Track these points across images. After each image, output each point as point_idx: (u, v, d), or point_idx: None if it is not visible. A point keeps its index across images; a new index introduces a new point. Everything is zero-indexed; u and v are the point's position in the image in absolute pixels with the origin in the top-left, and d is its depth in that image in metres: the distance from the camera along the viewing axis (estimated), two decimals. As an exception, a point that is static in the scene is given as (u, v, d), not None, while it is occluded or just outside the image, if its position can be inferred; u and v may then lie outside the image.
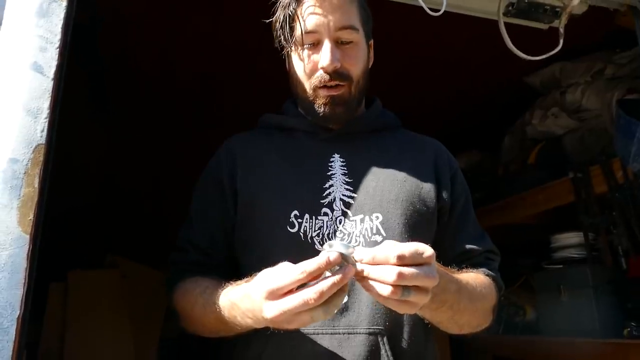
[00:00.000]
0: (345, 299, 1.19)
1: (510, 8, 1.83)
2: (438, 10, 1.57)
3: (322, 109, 1.33)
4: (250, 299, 1.02)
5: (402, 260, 0.91)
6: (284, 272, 0.93)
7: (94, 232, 3.95)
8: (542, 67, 2.92)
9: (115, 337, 3.15)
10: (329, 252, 0.90)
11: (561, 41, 1.84)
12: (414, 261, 0.93)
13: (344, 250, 0.91)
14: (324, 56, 1.29)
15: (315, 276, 0.90)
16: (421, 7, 1.58)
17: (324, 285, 0.88)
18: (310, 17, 1.29)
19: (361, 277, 0.93)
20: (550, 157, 2.98)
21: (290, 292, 0.92)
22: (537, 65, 1.87)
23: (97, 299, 3.18)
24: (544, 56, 1.81)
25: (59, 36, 1.04)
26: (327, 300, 0.90)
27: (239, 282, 1.11)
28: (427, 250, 0.96)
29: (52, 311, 3.05)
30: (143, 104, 3.27)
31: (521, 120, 3.31)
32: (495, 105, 3.37)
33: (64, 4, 1.06)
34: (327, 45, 1.29)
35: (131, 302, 3.25)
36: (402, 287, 0.91)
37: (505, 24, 1.81)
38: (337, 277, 0.89)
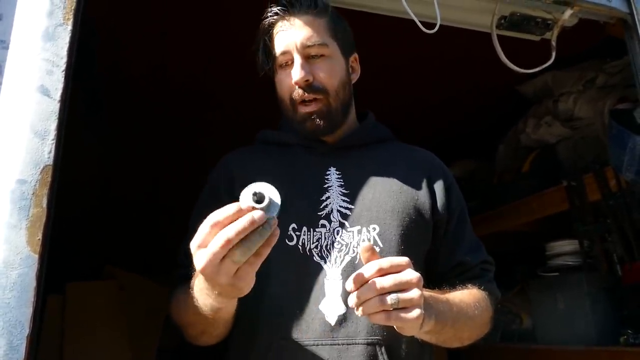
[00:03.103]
0: (344, 310, 1.22)
1: (502, 21, 1.86)
2: (433, 26, 1.59)
3: (304, 125, 1.38)
4: None
5: (381, 271, 1.00)
6: (200, 228, 0.94)
7: (91, 243, 3.95)
8: (534, 77, 2.95)
9: (114, 348, 3.15)
10: (241, 197, 0.92)
11: (553, 53, 1.87)
12: (394, 269, 1.01)
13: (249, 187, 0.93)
14: (295, 72, 1.35)
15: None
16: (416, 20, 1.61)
17: (229, 230, 0.89)
18: (280, 39, 1.38)
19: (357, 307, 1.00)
20: (544, 165, 3.01)
21: None
22: (529, 74, 1.90)
23: (95, 311, 3.18)
24: (536, 69, 1.85)
25: (65, 59, 1.06)
26: (245, 242, 0.90)
27: None
28: (402, 258, 1.04)
29: (51, 323, 3.05)
30: (138, 116, 3.28)
31: (515, 129, 3.34)
32: (490, 114, 3.40)
33: (69, 27, 1.08)
34: (297, 62, 1.35)
35: (129, 313, 3.25)
36: (387, 296, 0.98)
37: (498, 35, 1.84)
38: (243, 222, 0.88)
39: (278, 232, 0.93)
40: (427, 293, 1.11)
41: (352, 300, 0.99)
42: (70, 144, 1.12)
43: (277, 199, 0.93)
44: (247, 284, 0.97)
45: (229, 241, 0.88)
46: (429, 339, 1.21)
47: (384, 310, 0.98)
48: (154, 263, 3.52)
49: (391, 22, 1.78)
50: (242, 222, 0.88)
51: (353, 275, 1.01)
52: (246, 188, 0.93)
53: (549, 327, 2.73)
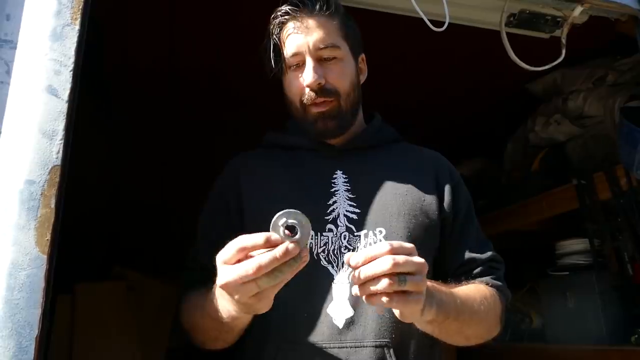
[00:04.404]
0: (352, 313, 1.22)
1: (512, 19, 1.85)
2: (442, 24, 1.58)
3: (314, 125, 1.38)
4: None
5: (393, 251, 0.96)
6: (228, 247, 0.96)
7: (99, 243, 3.96)
8: (543, 75, 2.93)
9: (123, 348, 3.16)
10: (272, 225, 0.94)
11: (563, 51, 1.86)
12: (403, 251, 0.98)
13: (282, 214, 0.94)
14: (307, 75, 1.34)
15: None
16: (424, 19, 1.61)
17: (262, 259, 0.91)
18: (291, 40, 1.36)
19: (361, 285, 0.97)
20: (554, 164, 2.98)
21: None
22: (539, 72, 1.89)
23: (104, 311, 3.19)
24: (546, 67, 1.83)
25: (72, 59, 1.06)
26: (273, 270, 0.92)
27: None
28: (408, 243, 1.02)
29: (60, 324, 3.06)
30: (147, 113, 3.29)
31: (524, 127, 3.32)
32: (499, 113, 3.38)
33: (77, 27, 1.08)
34: (309, 65, 1.34)
35: (138, 313, 3.26)
36: (397, 277, 0.95)
37: (507, 33, 1.83)
38: (276, 252, 0.91)
39: (307, 260, 0.95)
40: (430, 282, 1.10)
41: (359, 275, 0.96)
42: (78, 143, 1.12)
43: (308, 229, 0.95)
44: (266, 305, 0.99)
45: (260, 268, 0.90)
46: (432, 331, 1.19)
47: (385, 294, 0.96)
48: (162, 263, 3.52)
49: (399, 21, 1.77)
50: (277, 253, 0.90)
51: (360, 251, 0.98)
52: (277, 216, 0.94)
53: (559, 327, 2.71)
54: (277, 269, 0.92)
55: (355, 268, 0.97)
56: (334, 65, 1.37)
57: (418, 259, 0.99)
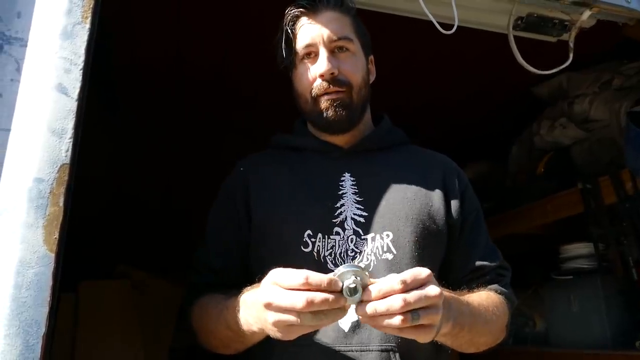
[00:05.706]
0: (358, 317, 1.22)
1: (519, 22, 1.85)
2: (451, 27, 1.58)
3: (325, 114, 1.37)
4: (257, 289, 1.05)
5: (405, 285, 0.93)
6: (293, 273, 0.95)
7: (104, 242, 3.97)
8: (549, 78, 2.93)
9: (126, 347, 3.17)
10: (338, 274, 0.93)
11: (571, 55, 1.86)
12: (416, 284, 0.95)
13: (352, 269, 0.94)
14: (321, 64, 1.35)
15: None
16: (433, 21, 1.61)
17: (315, 296, 0.90)
18: (305, 32, 1.38)
19: (371, 317, 0.94)
20: (559, 168, 2.98)
21: None
22: (545, 75, 1.89)
23: (108, 310, 3.20)
24: (553, 70, 1.84)
25: (82, 57, 1.06)
26: (319, 312, 0.92)
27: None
28: (423, 271, 0.98)
29: (63, 322, 3.07)
30: (154, 112, 3.29)
31: (529, 131, 3.31)
32: (505, 115, 3.38)
33: (87, 25, 1.08)
34: (323, 54, 1.36)
35: (142, 312, 3.27)
36: (410, 313, 0.92)
37: (515, 36, 1.83)
38: (330, 296, 0.91)
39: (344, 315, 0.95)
40: (449, 294, 1.10)
41: (370, 309, 0.92)
42: (85, 142, 1.12)
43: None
44: (290, 336, 0.98)
45: (310, 303, 0.90)
46: (444, 342, 1.20)
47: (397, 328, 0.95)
48: (166, 262, 3.53)
49: (408, 23, 1.77)
50: (331, 296, 0.91)
51: (373, 286, 0.95)
52: (348, 266, 0.94)
53: (562, 331, 2.70)
54: (323, 312, 0.92)
55: (365, 301, 0.94)
56: (347, 58, 1.38)
57: (432, 291, 0.95)
